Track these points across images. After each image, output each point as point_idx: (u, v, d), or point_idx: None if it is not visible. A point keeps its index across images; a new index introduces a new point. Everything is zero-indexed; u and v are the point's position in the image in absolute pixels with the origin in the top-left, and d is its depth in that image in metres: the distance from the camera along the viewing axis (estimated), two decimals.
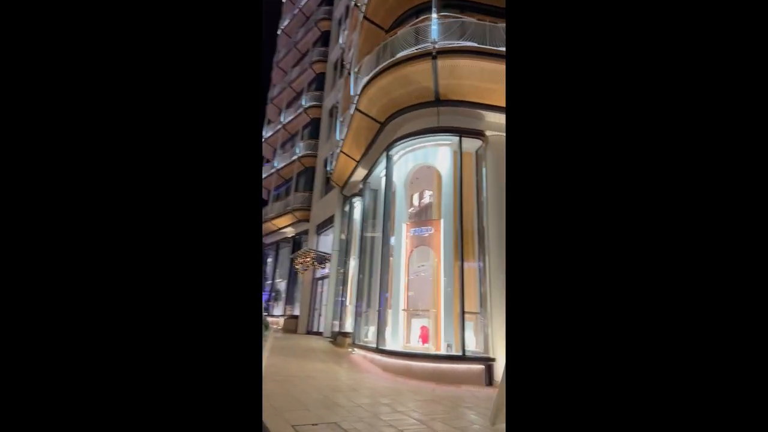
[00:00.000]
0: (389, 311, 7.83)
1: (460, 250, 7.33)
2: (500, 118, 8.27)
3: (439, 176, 8.37)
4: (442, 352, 6.85)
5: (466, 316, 6.90)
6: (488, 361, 6.76)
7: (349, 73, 12.83)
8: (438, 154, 8.39)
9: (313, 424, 3.64)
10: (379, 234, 9.57)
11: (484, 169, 8.15)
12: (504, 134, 8.32)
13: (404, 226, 8.23)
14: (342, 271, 13.80)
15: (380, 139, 9.71)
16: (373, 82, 8.56)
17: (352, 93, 10.84)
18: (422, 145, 8.48)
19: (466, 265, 7.25)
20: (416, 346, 7.39)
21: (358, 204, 12.80)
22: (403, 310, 7.59)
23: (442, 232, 7.67)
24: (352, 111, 10.21)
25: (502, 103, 8.05)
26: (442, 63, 7.47)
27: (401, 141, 8.52)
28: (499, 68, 7.40)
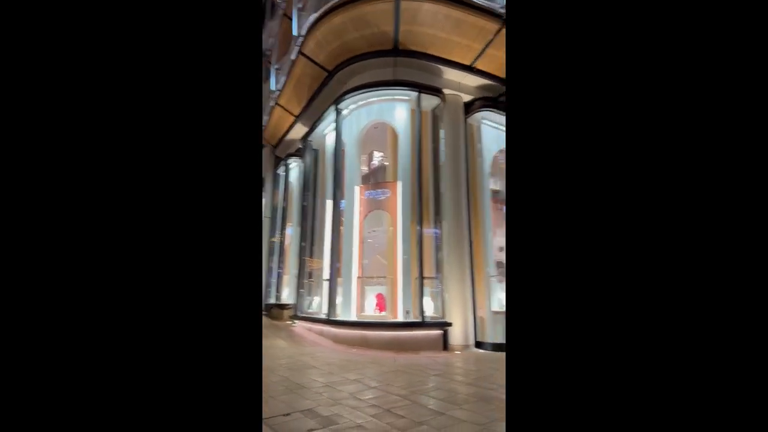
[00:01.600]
0: (340, 280, 7.35)
1: (418, 214, 7.05)
2: (459, 76, 7.96)
3: (395, 135, 7.86)
4: (400, 319, 6.65)
5: (423, 281, 6.75)
6: (445, 326, 6.77)
7: (286, 15, 11.26)
8: (394, 111, 7.83)
9: (284, 415, 3.07)
10: (324, 198, 8.84)
11: (441, 131, 7.85)
12: (462, 94, 8.06)
13: (357, 189, 7.65)
14: (275, 240, 12.78)
15: (327, 90, 8.74)
16: (323, 22, 7.49)
17: (294, 33, 9.50)
18: (377, 99, 7.81)
19: (423, 230, 7.01)
20: (371, 314, 7.09)
21: (295, 166, 11.72)
22: (357, 277, 7.17)
23: (399, 195, 7.28)
24: (293, 56, 8.97)
25: (463, 59, 7.72)
26: (406, 5, 6.77)
27: (353, 93, 7.73)
28: (465, 19, 6.98)
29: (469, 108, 8.09)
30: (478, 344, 7.07)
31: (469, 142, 8.10)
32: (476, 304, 7.24)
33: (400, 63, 7.64)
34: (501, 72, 8.09)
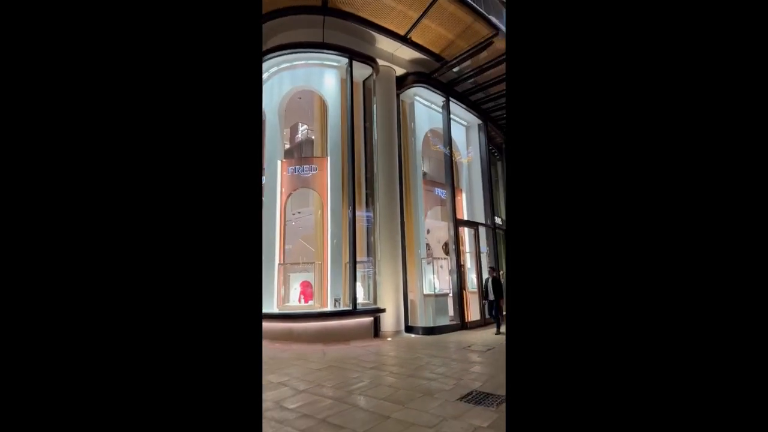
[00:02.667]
0: None
1: (351, 195, 6.53)
2: (393, 47, 7.51)
3: (324, 105, 7.15)
4: (330, 308, 6.16)
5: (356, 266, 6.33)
6: (378, 312, 6.48)
7: None
8: (323, 78, 7.10)
9: None
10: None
11: (374, 105, 7.36)
12: (395, 67, 7.63)
13: (279, 164, 6.80)
14: None
15: None
16: None
17: None
18: (303, 63, 6.99)
19: (356, 212, 6.54)
20: (296, 305, 6.46)
21: None
22: (279, 264, 6.43)
23: (329, 172, 6.65)
24: None
25: (398, 27, 7.26)
26: None
27: (275, 54, 6.78)
28: None
29: (402, 83, 7.74)
30: (409, 329, 6.96)
31: (402, 119, 7.78)
32: (407, 287, 7.08)
33: (330, 24, 6.88)
34: (436, 46, 7.85)
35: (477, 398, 3.27)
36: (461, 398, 3.28)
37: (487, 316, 7.67)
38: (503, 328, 6.65)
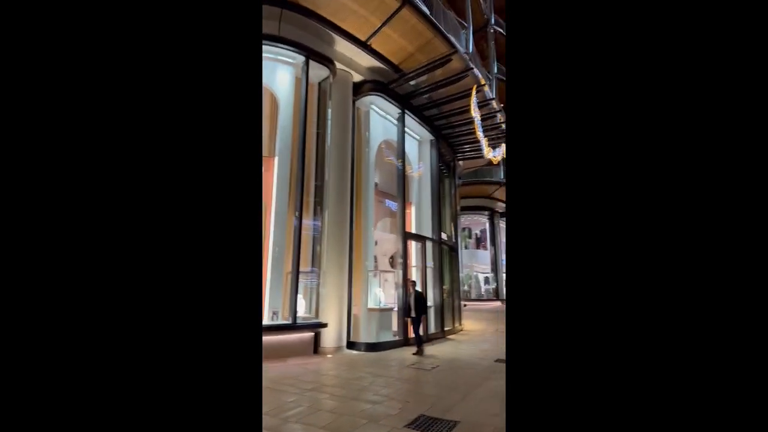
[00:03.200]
0: None
1: (299, 200, 6.15)
2: (352, 52, 7.35)
3: (275, 102, 6.72)
4: (267, 321, 5.67)
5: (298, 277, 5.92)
6: (319, 327, 6.11)
7: None
8: (276, 74, 6.69)
9: None
10: None
11: (329, 109, 7.09)
12: (352, 72, 7.47)
13: None
14: None
15: None
16: None
17: None
18: None
19: (302, 219, 6.16)
20: None
21: None
22: None
23: (275, 173, 6.23)
24: None
25: (358, 32, 7.13)
26: None
27: None
28: None
29: (359, 89, 7.60)
30: (351, 345, 6.66)
31: (357, 127, 7.60)
32: (351, 301, 6.81)
33: (288, 19, 6.53)
34: (395, 57, 7.85)
35: (425, 424, 3.11)
36: (408, 425, 3.09)
37: (411, 335, 6.83)
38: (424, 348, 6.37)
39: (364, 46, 7.34)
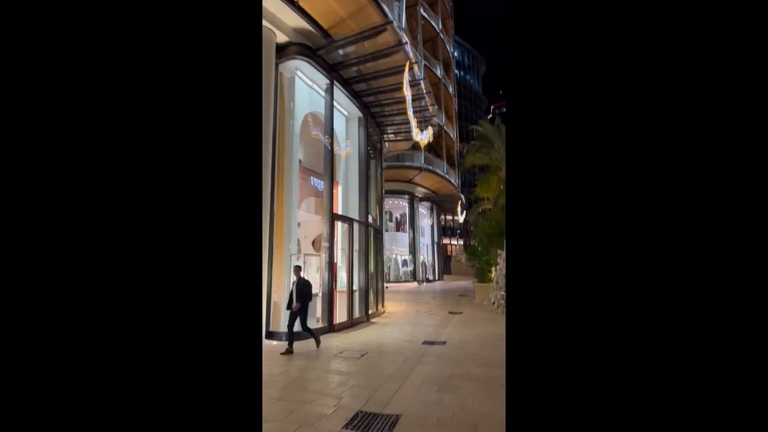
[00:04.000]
0: None
1: None
2: (277, 6, 6.49)
3: None
4: None
5: None
6: None
7: None
8: None
9: None
10: None
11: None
12: (276, 30, 6.64)
13: None
14: None
15: None
16: None
17: None
18: None
19: None
20: None
21: None
22: None
23: None
24: None
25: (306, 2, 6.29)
26: None
27: None
28: None
29: (283, 52, 6.83)
30: (270, 335, 6.12)
31: (279, 95, 6.83)
32: (272, 287, 6.21)
33: None
34: (325, 20, 7.19)
35: (365, 422, 2.85)
36: (347, 425, 2.80)
37: (294, 329, 5.44)
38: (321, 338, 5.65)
39: (290, 2, 6.55)
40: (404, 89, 7.53)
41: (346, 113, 8.98)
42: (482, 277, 12.34)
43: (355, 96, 8.71)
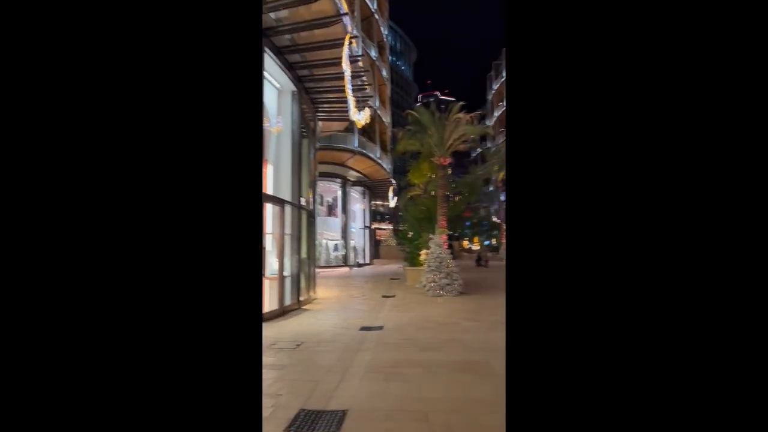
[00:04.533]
0: None
1: None
2: None
3: None
4: None
5: None
6: None
7: None
8: None
9: None
10: None
11: None
12: None
13: None
14: None
15: None
16: None
17: None
18: None
19: None
20: None
21: None
22: None
23: None
24: None
25: None
26: None
27: None
28: None
29: None
30: None
31: None
32: None
33: None
34: None
35: (308, 422, 2.60)
36: (289, 426, 2.53)
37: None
38: None
39: None
40: (343, 63, 7.13)
41: (278, 85, 8.28)
42: (413, 260, 12.62)
43: (289, 68, 8.04)
